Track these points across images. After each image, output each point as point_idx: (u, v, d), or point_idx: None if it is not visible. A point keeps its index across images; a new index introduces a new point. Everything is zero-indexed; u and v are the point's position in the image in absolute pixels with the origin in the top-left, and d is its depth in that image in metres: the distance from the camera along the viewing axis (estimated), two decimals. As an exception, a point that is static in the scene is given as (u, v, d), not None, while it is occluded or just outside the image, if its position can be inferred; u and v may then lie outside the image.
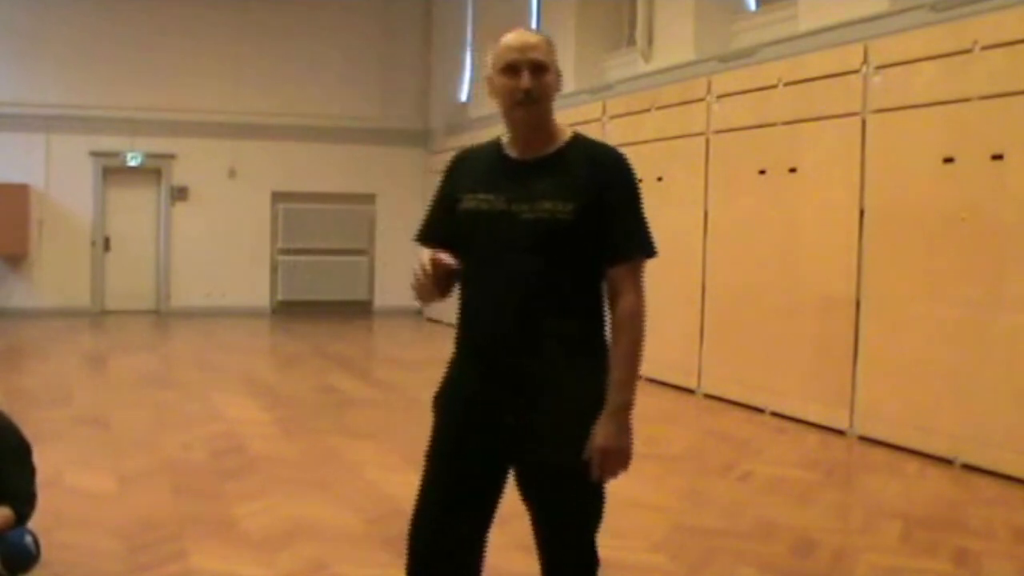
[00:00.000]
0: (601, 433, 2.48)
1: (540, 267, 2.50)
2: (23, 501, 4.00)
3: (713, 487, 5.82)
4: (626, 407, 2.51)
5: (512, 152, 2.62)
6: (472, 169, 2.68)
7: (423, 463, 2.67)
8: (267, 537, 4.62)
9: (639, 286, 2.56)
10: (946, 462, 6.41)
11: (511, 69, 2.53)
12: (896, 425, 6.88)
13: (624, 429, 2.50)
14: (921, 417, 6.68)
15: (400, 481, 5.75)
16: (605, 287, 2.59)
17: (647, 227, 2.60)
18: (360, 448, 6.63)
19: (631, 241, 2.56)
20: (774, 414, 7.98)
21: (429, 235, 2.70)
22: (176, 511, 5.02)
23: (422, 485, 2.66)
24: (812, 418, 7.62)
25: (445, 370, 2.71)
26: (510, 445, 2.56)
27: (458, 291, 2.66)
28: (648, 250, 2.59)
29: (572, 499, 2.54)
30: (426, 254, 2.57)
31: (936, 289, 6.61)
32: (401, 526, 4.81)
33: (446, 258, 2.53)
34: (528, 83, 2.51)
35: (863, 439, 7.12)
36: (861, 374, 7.21)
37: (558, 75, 2.59)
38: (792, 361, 7.87)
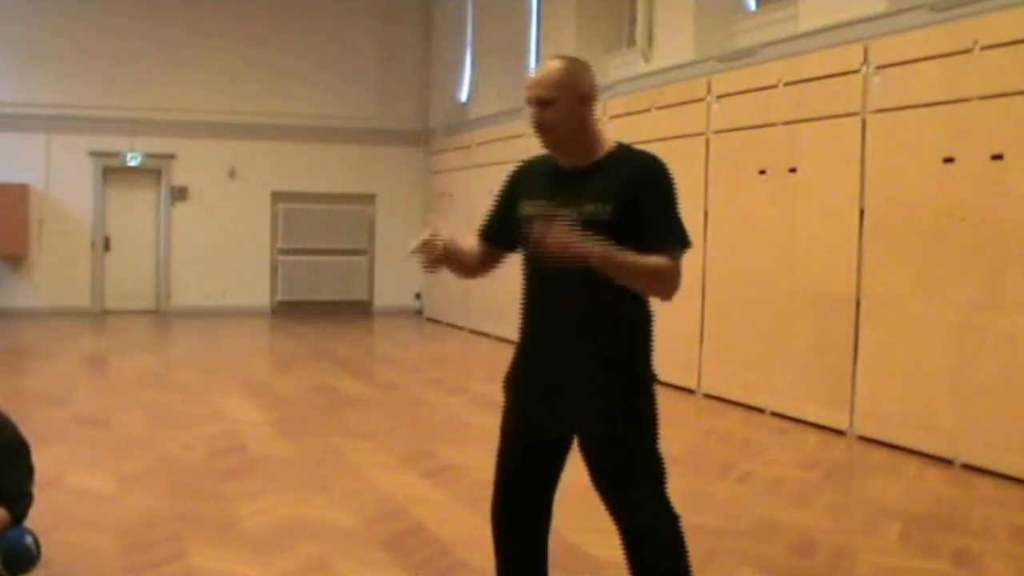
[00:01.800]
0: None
1: (587, 264, 2.77)
2: (18, 501, 3.99)
3: (713, 487, 5.82)
4: (605, 250, 2.72)
5: (562, 163, 2.97)
6: (530, 179, 3.05)
7: (498, 435, 3.13)
8: (267, 537, 4.62)
9: (678, 270, 2.86)
10: (946, 462, 6.41)
11: (528, 104, 2.93)
12: (896, 425, 6.88)
13: (603, 251, 2.71)
14: (921, 417, 6.68)
15: (400, 481, 5.77)
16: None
17: (680, 222, 2.91)
18: (360, 448, 6.63)
19: (665, 233, 2.86)
20: (774, 414, 7.98)
21: (487, 233, 3.14)
22: (176, 511, 5.02)
23: (498, 455, 3.13)
24: (812, 418, 7.62)
25: (513, 353, 3.09)
26: (565, 421, 2.93)
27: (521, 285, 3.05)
28: (682, 240, 2.89)
29: (625, 462, 2.88)
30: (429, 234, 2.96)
31: (936, 289, 6.62)
32: (401, 526, 4.84)
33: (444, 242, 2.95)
34: (534, 118, 2.91)
35: (863, 439, 7.12)
36: (861, 374, 7.21)
37: (579, 96, 2.89)
38: (792, 361, 7.87)
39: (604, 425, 2.88)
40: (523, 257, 3.01)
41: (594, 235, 2.75)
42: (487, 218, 3.16)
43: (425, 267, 3.00)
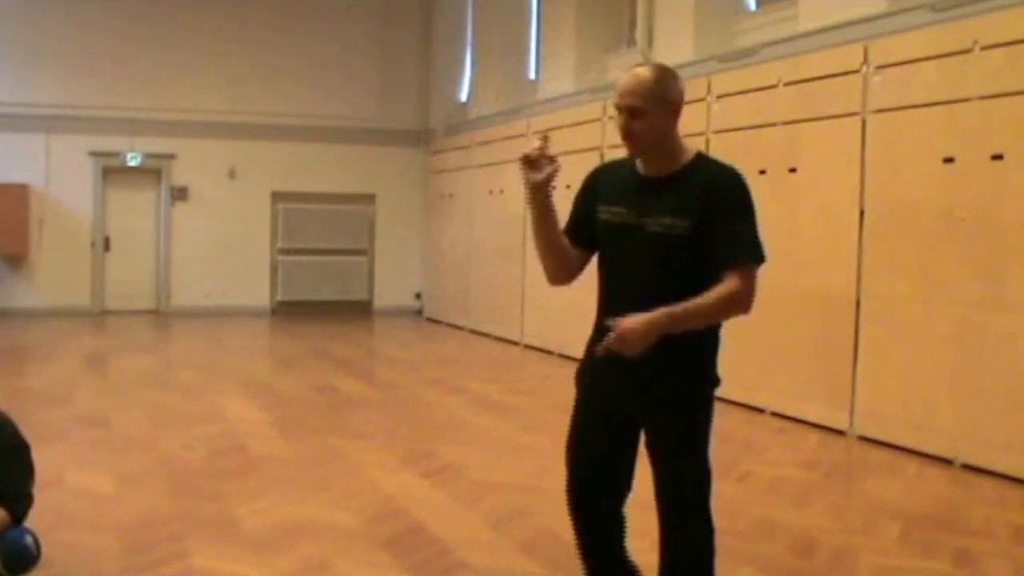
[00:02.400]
0: (634, 319, 2.79)
1: (661, 273, 2.89)
2: (17, 501, 3.98)
3: (713, 487, 5.81)
4: (670, 317, 2.78)
5: (642, 170, 3.00)
6: (610, 183, 3.07)
7: (569, 426, 3.18)
8: (267, 537, 4.62)
9: (746, 284, 2.83)
10: (946, 462, 6.41)
11: (617, 111, 2.94)
12: (896, 425, 6.88)
13: (652, 327, 2.77)
14: (921, 417, 6.68)
15: (400, 481, 5.77)
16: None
17: (756, 236, 2.89)
18: (360, 448, 6.63)
19: (737, 247, 2.85)
20: (774, 414, 7.98)
21: (569, 232, 3.13)
22: (176, 511, 5.02)
23: (568, 446, 3.15)
24: (812, 418, 7.62)
25: (585, 349, 3.13)
26: (633, 415, 3.00)
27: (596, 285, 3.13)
28: (755, 254, 2.87)
29: (682, 462, 2.96)
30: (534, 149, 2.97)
31: (936, 289, 6.62)
32: (401, 526, 4.84)
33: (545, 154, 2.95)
34: (622, 126, 2.92)
35: (863, 439, 7.12)
36: (861, 374, 7.21)
37: (669, 107, 2.90)
38: (792, 361, 7.87)
39: (663, 420, 2.95)
40: (599, 258, 3.08)
41: (667, 248, 2.86)
42: (570, 222, 3.16)
43: (530, 177, 2.95)
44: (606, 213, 3.01)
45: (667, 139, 2.93)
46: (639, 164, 3.01)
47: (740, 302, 2.83)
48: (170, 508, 5.08)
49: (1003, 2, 6.40)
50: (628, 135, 2.91)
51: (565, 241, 3.08)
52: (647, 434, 3.01)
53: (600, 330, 3.01)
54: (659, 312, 2.77)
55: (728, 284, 2.81)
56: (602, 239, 3.04)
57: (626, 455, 3.07)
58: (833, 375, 7.42)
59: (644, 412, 2.98)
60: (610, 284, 3.05)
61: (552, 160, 2.94)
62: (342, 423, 7.56)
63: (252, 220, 15.91)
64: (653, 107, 2.87)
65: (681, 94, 2.94)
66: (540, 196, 2.97)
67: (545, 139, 2.97)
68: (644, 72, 2.90)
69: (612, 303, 3.00)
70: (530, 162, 2.94)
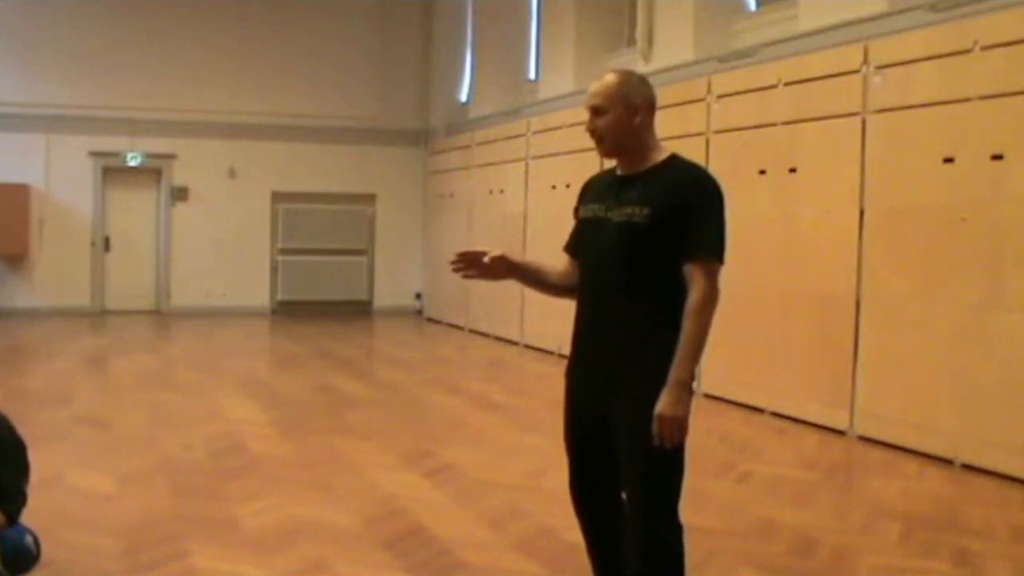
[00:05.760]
0: (661, 402, 2.93)
1: (625, 260, 3.01)
2: (11, 500, 3.97)
3: (713, 487, 5.82)
4: (681, 382, 2.94)
5: (619, 171, 3.18)
6: (593, 188, 3.27)
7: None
8: (267, 537, 4.63)
9: (708, 281, 2.95)
10: (946, 462, 6.41)
11: (587, 111, 3.15)
12: (896, 425, 6.88)
13: (679, 401, 2.94)
14: (921, 417, 6.68)
15: (400, 481, 5.77)
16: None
17: (720, 234, 3.00)
18: (360, 448, 6.63)
19: (700, 243, 2.96)
20: (774, 414, 7.98)
21: (569, 247, 3.31)
22: (176, 511, 5.02)
23: (565, 446, 3.27)
24: (812, 418, 7.62)
25: (571, 345, 3.26)
26: (608, 405, 3.05)
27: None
28: (715, 252, 2.97)
29: (641, 459, 2.99)
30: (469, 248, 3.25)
31: (936, 289, 6.62)
32: (401, 526, 4.85)
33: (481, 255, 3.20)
34: (588, 126, 3.14)
35: (863, 439, 7.12)
36: (861, 374, 7.21)
37: (629, 107, 3.06)
38: (792, 361, 7.87)
39: (630, 417, 2.99)
40: (579, 258, 3.22)
41: (629, 236, 2.97)
42: (570, 235, 3.33)
43: (461, 274, 3.23)
44: (584, 211, 3.21)
45: (633, 138, 3.08)
46: (617, 166, 3.17)
47: (712, 301, 2.95)
48: (170, 508, 5.08)
49: (1003, 2, 6.40)
50: (592, 133, 3.12)
51: (553, 274, 3.30)
52: (612, 436, 3.05)
53: (579, 331, 3.18)
54: (669, 385, 2.91)
55: (694, 294, 2.92)
56: (580, 234, 3.22)
57: (611, 451, 3.11)
58: (833, 375, 7.42)
59: (608, 405, 3.04)
60: (584, 275, 3.17)
61: (479, 254, 3.20)
62: (342, 423, 7.56)
63: (252, 220, 15.90)
64: (613, 106, 3.06)
65: (646, 97, 3.09)
66: (501, 274, 3.24)
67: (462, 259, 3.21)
68: (609, 76, 3.12)
69: (585, 293, 3.15)
70: (468, 267, 3.20)
